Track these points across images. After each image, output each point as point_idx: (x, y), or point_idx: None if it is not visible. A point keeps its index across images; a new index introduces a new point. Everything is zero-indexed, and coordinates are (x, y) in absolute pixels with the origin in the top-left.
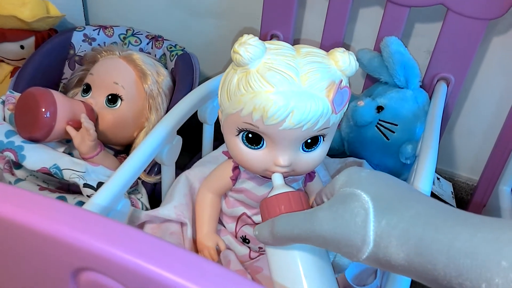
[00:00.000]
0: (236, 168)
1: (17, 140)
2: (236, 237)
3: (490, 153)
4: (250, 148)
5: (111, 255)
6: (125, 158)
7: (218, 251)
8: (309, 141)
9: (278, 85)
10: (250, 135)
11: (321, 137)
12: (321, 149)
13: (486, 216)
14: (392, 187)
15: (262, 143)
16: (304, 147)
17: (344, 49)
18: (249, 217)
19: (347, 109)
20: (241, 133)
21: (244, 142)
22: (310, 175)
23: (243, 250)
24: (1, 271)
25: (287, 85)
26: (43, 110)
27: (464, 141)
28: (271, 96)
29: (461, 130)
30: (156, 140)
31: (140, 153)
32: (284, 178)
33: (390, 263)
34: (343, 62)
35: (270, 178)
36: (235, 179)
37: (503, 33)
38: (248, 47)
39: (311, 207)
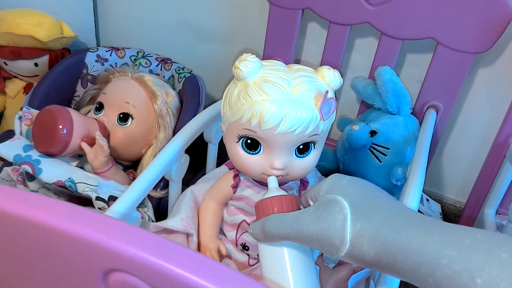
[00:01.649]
0: (236, 176)
1: (34, 154)
2: (236, 245)
3: (476, 178)
4: (249, 153)
5: (139, 257)
6: (133, 173)
7: (220, 256)
8: (301, 147)
9: (273, 94)
10: (249, 141)
11: (312, 144)
12: (313, 156)
13: (441, 221)
14: (368, 193)
15: (259, 148)
16: (297, 152)
17: (330, 67)
18: (248, 224)
19: (342, 132)
20: (241, 140)
21: (243, 148)
22: (303, 185)
23: (242, 257)
24: (36, 272)
25: (281, 94)
26: (60, 127)
27: (453, 166)
28: (267, 103)
29: (449, 155)
30: (167, 158)
31: (152, 170)
32: (279, 183)
33: (363, 260)
34: (329, 77)
35: (267, 184)
36: (235, 187)
37: (489, 65)
38: (247, 63)
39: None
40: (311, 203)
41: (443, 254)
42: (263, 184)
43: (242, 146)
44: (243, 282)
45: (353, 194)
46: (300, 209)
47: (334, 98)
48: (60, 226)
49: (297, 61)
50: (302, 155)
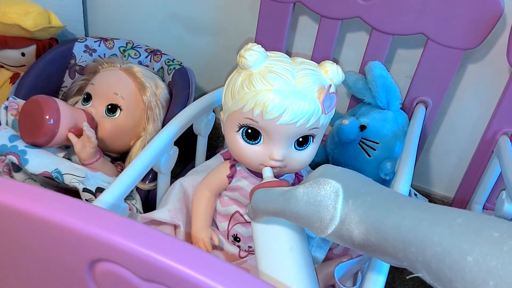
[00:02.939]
0: (232, 166)
1: (20, 144)
2: (228, 236)
3: (464, 173)
4: (249, 143)
5: (126, 247)
6: (121, 165)
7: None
8: (300, 139)
9: (277, 84)
10: (249, 131)
11: (311, 137)
12: (311, 149)
13: (432, 204)
14: (359, 180)
15: (259, 138)
16: (296, 145)
17: (333, 62)
18: (241, 215)
19: (332, 127)
20: (242, 129)
21: (243, 138)
22: (298, 179)
23: (233, 249)
24: (20, 262)
25: (285, 85)
26: (47, 117)
27: (441, 161)
28: (271, 94)
29: (437, 150)
30: (156, 149)
31: (141, 161)
32: (275, 175)
33: (352, 239)
34: (332, 72)
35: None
36: (231, 177)
37: (477, 62)
38: (253, 52)
39: None
40: None
41: (434, 232)
42: (259, 175)
43: (242, 135)
44: (231, 272)
45: (344, 179)
46: None
47: (336, 92)
48: (45, 215)
49: (288, 55)
50: (301, 148)
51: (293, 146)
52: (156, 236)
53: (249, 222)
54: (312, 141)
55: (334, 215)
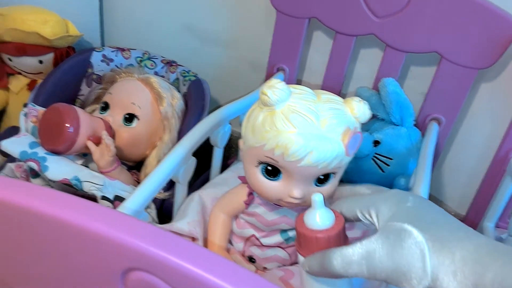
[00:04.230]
0: (250, 193)
1: (40, 151)
2: (243, 256)
3: (476, 191)
4: (268, 179)
5: (161, 257)
6: (136, 174)
7: None
8: (321, 177)
9: (300, 127)
10: (269, 168)
11: (332, 174)
12: (331, 184)
13: None
14: (438, 219)
15: (279, 175)
16: (316, 182)
17: (360, 99)
18: (257, 239)
19: None
20: (261, 165)
21: (263, 173)
22: None
23: (250, 268)
24: (54, 269)
25: (308, 128)
26: (68, 125)
27: (453, 178)
28: (293, 136)
29: (449, 167)
30: (175, 160)
31: (162, 170)
32: (294, 208)
33: None
34: (358, 110)
35: (281, 206)
36: (248, 204)
37: (490, 81)
38: (276, 90)
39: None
40: (360, 216)
41: None
42: (277, 204)
43: (261, 171)
44: (262, 284)
45: (423, 222)
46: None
47: (361, 131)
48: (81, 223)
49: (302, 69)
50: (321, 184)
51: (313, 183)
52: (190, 247)
53: (265, 246)
54: (334, 176)
55: (425, 277)
